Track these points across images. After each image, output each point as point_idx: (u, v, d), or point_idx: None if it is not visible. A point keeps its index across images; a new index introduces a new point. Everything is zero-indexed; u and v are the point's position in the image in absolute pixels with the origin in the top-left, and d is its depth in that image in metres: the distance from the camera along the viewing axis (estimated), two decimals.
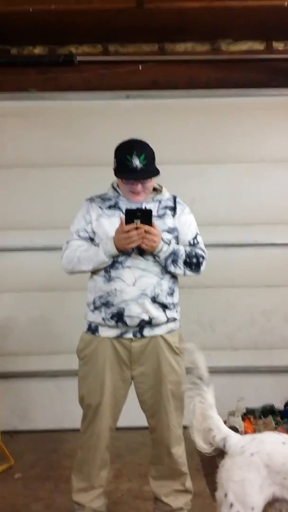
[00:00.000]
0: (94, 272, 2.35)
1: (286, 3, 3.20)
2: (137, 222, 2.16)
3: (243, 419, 3.34)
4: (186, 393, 1.97)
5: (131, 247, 2.21)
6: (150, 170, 2.28)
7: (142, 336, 2.30)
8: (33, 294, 3.77)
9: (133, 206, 2.28)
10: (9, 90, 3.72)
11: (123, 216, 2.20)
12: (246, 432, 3.24)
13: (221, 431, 1.89)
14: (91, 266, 2.30)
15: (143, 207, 2.27)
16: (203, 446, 1.90)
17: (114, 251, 2.23)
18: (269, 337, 3.83)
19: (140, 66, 3.70)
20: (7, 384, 3.73)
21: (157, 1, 3.18)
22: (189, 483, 2.45)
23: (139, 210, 2.21)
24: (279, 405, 3.60)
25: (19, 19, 3.34)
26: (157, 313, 2.29)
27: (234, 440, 1.86)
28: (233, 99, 3.79)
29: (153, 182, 2.35)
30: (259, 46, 3.81)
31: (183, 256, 2.30)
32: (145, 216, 2.17)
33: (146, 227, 2.17)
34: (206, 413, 1.90)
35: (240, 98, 3.79)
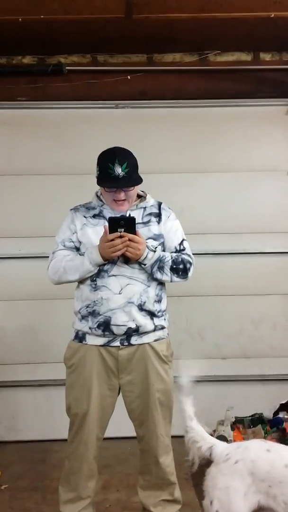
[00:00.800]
0: (80, 281, 2.35)
1: (272, 15, 3.24)
2: (121, 231, 2.16)
3: (232, 428, 3.33)
4: None
5: (116, 256, 2.21)
6: (133, 179, 2.28)
7: (130, 344, 2.29)
8: (21, 303, 3.76)
9: (117, 214, 2.29)
10: None
11: (107, 225, 2.20)
12: (235, 441, 3.23)
13: (206, 440, 1.88)
14: (77, 276, 2.29)
15: (127, 215, 2.28)
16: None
17: (99, 259, 2.23)
18: (258, 345, 3.83)
19: (129, 76, 3.72)
20: None
21: (146, 12, 3.21)
22: (177, 493, 2.43)
23: (123, 218, 2.21)
24: (268, 414, 3.59)
25: (9, 29, 3.36)
26: (144, 321, 2.29)
27: (220, 448, 1.85)
28: (221, 109, 3.83)
29: (137, 190, 2.35)
30: (246, 57, 3.86)
31: (170, 263, 2.30)
32: (129, 224, 2.17)
33: (130, 235, 2.17)
34: (188, 426, 1.89)
35: (228, 108, 3.84)
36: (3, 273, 3.75)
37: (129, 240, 2.17)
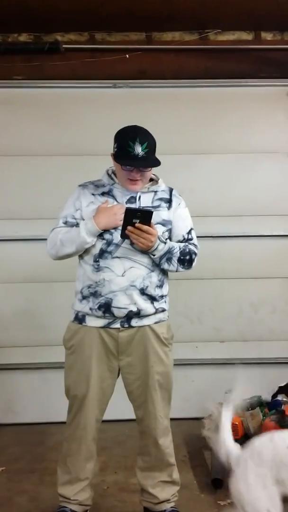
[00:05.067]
0: (83, 260, 2.32)
1: None
2: (136, 221, 2.14)
3: None
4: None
5: (117, 225, 2.18)
6: (151, 160, 2.25)
7: (130, 326, 2.27)
8: (18, 286, 3.72)
9: (128, 196, 2.27)
10: None
11: (112, 200, 2.19)
12: (233, 424, 3.23)
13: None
14: (73, 248, 2.25)
15: (137, 196, 2.26)
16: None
17: (94, 228, 2.20)
18: (256, 329, 3.82)
19: (127, 55, 3.64)
20: None
21: None
22: (176, 475, 2.42)
23: (140, 210, 2.20)
24: (267, 397, 3.59)
25: (4, 6, 3.29)
26: (145, 305, 2.26)
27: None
28: (221, 89, 3.77)
29: (151, 172, 2.32)
30: (247, 36, 3.78)
31: (178, 254, 2.28)
32: (145, 217, 2.15)
33: (145, 227, 2.15)
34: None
35: (229, 88, 3.77)
36: (0, 255, 3.71)
37: (143, 231, 2.14)
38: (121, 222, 2.16)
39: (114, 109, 3.61)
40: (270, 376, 3.68)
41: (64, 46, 3.64)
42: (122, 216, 2.15)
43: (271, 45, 3.77)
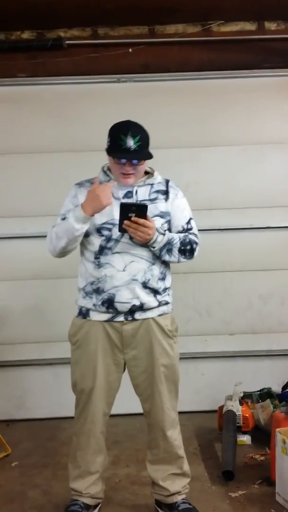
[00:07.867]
0: (84, 257, 2.34)
1: None
2: (132, 216, 2.14)
3: (241, 403, 3.33)
4: None
5: (108, 204, 2.17)
6: (143, 153, 2.25)
7: (134, 319, 2.28)
8: (27, 282, 3.74)
9: (125, 191, 2.27)
10: None
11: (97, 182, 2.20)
12: (244, 416, 3.23)
13: None
14: (65, 238, 2.24)
15: (133, 190, 2.26)
16: None
17: (81, 214, 2.18)
18: (266, 321, 3.81)
19: (130, 49, 3.64)
20: (3, 373, 3.73)
21: None
22: (186, 467, 2.43)
23: (134, 204, 2.20)
24: (277, 389, 3.59)
25: (6, 3, 3.29)
26: (148, 298, 2.27)
27: None
28: (226, 80, 3.74)
29: (145, 165, 2.32)
30: (251, 26, 3.76)
31: (178, 245, 2.28)
32: (140, 211, 2.16)
33: (141, 221, 2.15)
34: None
35: (233, 79, 3.75)
36: (8, 253, 3.74)
37: (139, 224, 2.15)
38: (107, 201, 2.17)
39: (118, 103, 3.60)
40: (280, 368, 3.69)
41: (67, 42, 3.64)
42: (106, 195, 2.16)
43: (275, 34, 3.74)
